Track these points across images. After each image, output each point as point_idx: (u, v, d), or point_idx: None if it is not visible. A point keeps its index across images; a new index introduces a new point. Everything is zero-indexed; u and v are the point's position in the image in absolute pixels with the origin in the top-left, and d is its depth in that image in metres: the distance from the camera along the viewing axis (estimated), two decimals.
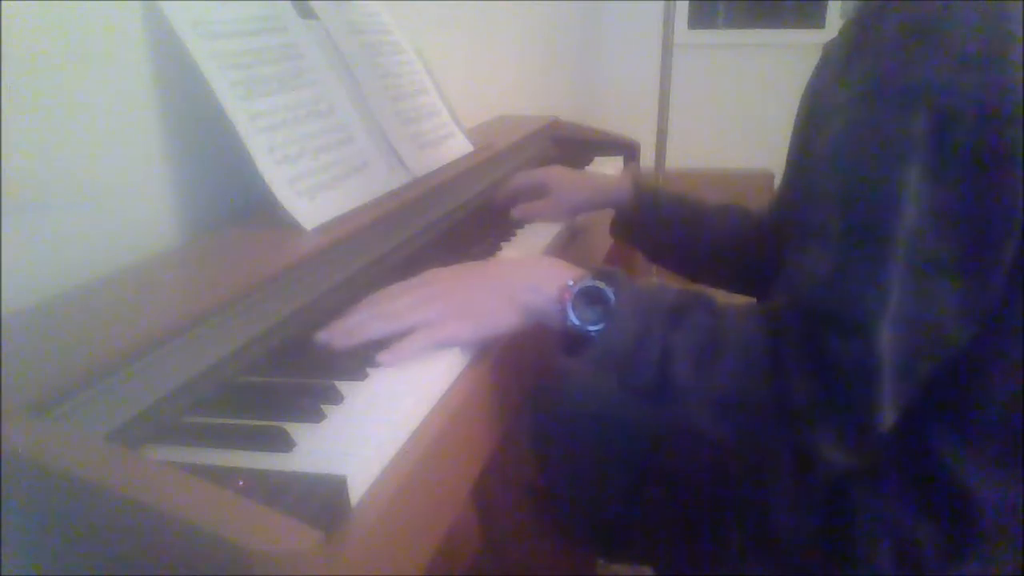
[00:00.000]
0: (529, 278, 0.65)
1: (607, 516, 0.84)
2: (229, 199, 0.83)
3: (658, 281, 0.65)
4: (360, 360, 0.61)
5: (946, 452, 0.65)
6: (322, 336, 0.64)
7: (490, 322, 0.64)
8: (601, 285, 0.62)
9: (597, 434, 0.85)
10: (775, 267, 0.80)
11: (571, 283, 0.63)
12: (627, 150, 1.58)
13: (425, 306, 0.64)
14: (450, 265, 0.84)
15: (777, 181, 3.04)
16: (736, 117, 3.22)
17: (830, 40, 0.77)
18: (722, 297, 0.65)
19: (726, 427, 0.62)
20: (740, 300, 1.03)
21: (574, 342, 0.64)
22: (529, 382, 0.81)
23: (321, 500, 0.43)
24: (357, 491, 0.46)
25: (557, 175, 1.06)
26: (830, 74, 0.70)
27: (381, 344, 0.62)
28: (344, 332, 0.63)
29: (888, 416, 0.57)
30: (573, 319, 0.62)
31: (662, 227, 1.01)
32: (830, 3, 3.14)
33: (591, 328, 0.61)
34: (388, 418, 0.54)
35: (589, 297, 0.62)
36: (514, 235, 1.00)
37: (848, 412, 0.57)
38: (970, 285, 0.57)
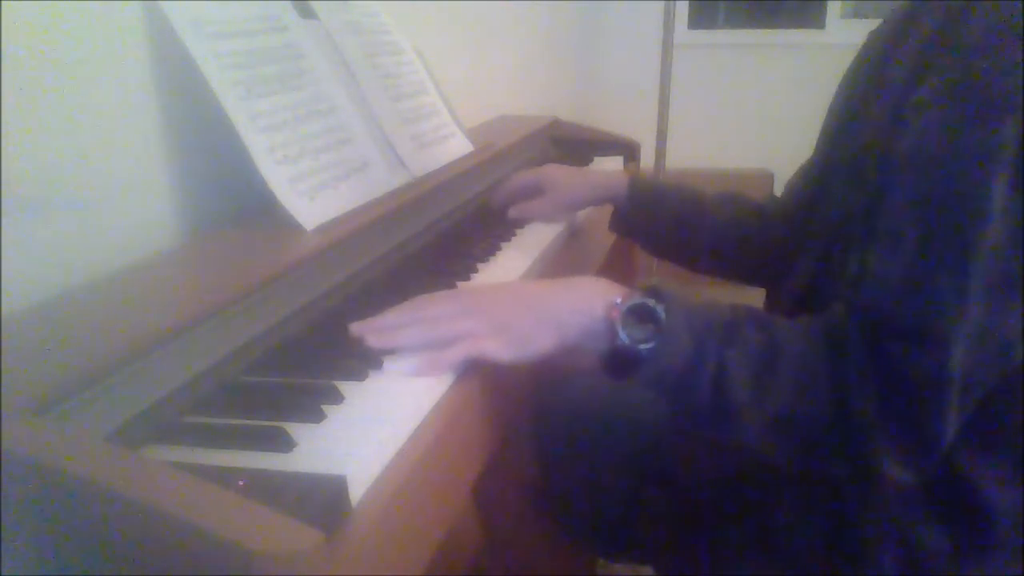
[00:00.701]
0: (576, 299, 0.63)
1: (607, 516, 0.84)
2: (229, 199, 0.82)
3: (704, 299, 0.63)
4: (361, 360, 0.61)
5: (955, 454, 0.64)
6: (355, 328, 0.63)
7: (530, 345, 0.62)
8: (651, 303, 0.60)
9: (597, 434, 0.85)
10: (784, 256, 0.79)
11: (619, 301, 0.61)
12: (627, 150, 1.58)
13: (467, 318, 0.62)
14: (452, 263, 0.84)
15: (777, 181, 3.05)
16: (736, 117, 3.22)
17: (875, 29, 0.74)
18: (723, 288, 0.64)
19: (786, 443, 0.60)
20: (742, 291, 1.03)
21: (622, 363, 0.61)
22: (530, 382, 0.81)
23: (321, 500, 0.43)
24: (357, 491, 0.46)
25: (552, 173, 1.06)
26: (880, 66, 0.67)
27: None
28: (380, 331, 0.62)
29: (951, 432, 0.56)
30: (623, 338, 0.59)
31: (660, 219, 1.00)
32: (830, 3, 3.14)
33: (642, 347, 0.59)
34: (388, 418, 0.54)
35: (638, 315, 0.60)
36: (514, 235, 1.00)
37: (914, 426, 0.55)
38: None
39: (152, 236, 0.75)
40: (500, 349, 0.61)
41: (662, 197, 1.00)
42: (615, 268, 1.52)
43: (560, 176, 1.05)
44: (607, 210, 1.06)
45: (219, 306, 0.59)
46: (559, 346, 0.62)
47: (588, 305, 0.62)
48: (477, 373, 0.64)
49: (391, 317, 0.64)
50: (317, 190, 0.79)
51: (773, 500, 0.73)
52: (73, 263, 0.66)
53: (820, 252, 0.71)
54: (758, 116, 3.16)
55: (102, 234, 0.70)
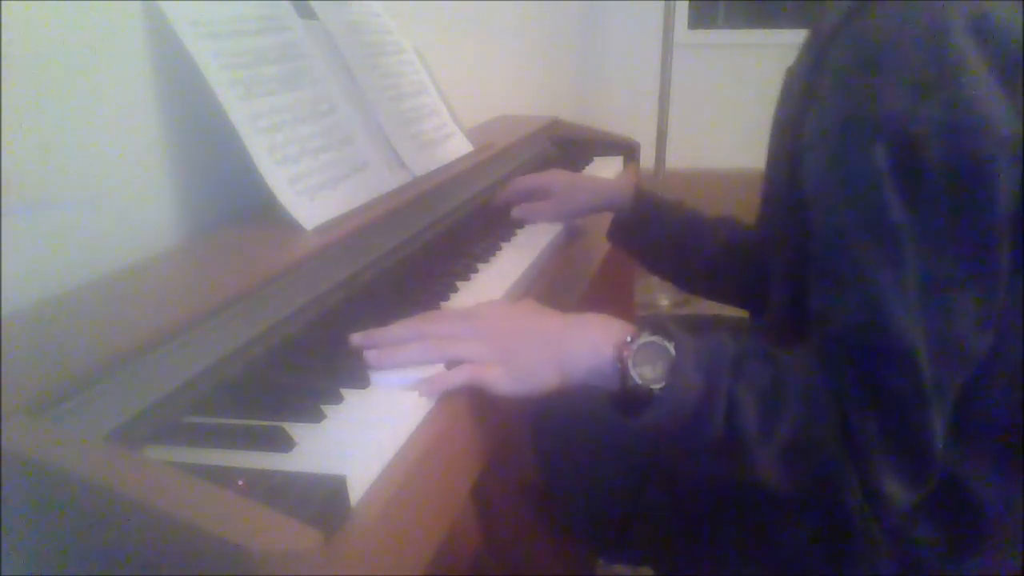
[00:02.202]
0: (586, 337, 0.62)
1: (607, 516, 0.84)
2: (229, 199, 0.82)
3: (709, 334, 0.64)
4: (361, 360, 0.61)
5: (948, 453, 0.64)
6: (356, 339, 0.62)
7: (531, 381, 0.61)
8: (661, 341, 0.60)
9: (597, 434, 0.85)
10: (761, 282, 0.80)
11: (629, 340, 0.60)
12: (627, 150, 1.58)
13: (473, 342, 0.61)
14: (452, 263, 0.84)
15: None
16: (736, 117, 3.22)
17: (791, 66, 0.76)
18: (716, 310, 0.65)
19: (793, 473, 0.60)
20: (733, 313, 1.03)
21: (633, 403, 0.61)
22: None
23: (321, 500, 0.43)
24: (357, 491, 0.46)
25: (558, 178, 1.06)
26: (795, 101, 0.69)
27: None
28: (382, 344, 0.61)
29: (939, 442, 0.58)
30: (635, 379, 0.59)
31: (659, 234, 1.01)
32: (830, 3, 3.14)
33: (655, 387, 0.59)
34: (388, 418, 0.54)
35: (649, 354, 0.60)
36: (514, 235, 1.00)
37: (906, 441, 0.57)
38: (980, 295, 0.57)
39: (152, 236, 0.75)
40: (501, 380, 0.60)
41: (663, 213, 1.01)
42: (613, 270, 1.52)
43: (566, 181, 1.06)
44: (607, 214, 1.06)
45: (219, 306, 0.59)
46: (562, 383, 0.62)
47: (598, 344, 0.61)
48: None
49: (396, 330, 0.62)
50: (317, 190, 0.79)
51: (770, 499, 0.73)
52: (73, 263, 0.66)
53: (786, 281, 0.73)
54: (758, 116, 3.14)
55: (102, 234, 0.70)
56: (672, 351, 0.59)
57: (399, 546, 0.50)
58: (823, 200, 0.61)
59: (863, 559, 0.68)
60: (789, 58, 0.76)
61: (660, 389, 0.59)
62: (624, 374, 0.60)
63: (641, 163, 1.66)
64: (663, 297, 2.58)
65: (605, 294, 1.13)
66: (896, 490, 0.58)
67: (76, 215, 0.67)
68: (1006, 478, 0.65)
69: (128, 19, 0.72)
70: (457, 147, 1.13)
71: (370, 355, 0.60)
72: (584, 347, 0.62)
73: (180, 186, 0.78)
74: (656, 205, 1.02)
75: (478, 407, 0.63)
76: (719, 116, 3.20)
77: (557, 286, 0.92)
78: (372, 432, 0.52)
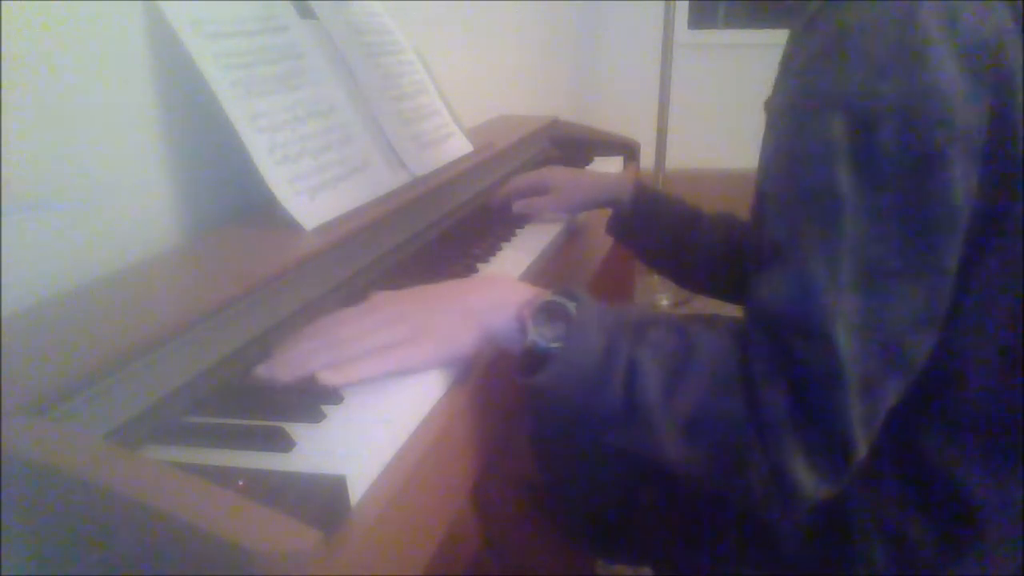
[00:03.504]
0: (486, 298, 0.63)
1: (607, 516, 0.84)
2: (229, 199, 0.83)
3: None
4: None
5: (939, 451, 0.65)
6: (262, 370, 0.58)
7: (450, 343, 0.61)
8: (561, 300, 0.59)
9: (597, 434, 0.85)
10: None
11: (531, 299, 0.61)
12: (627, 150, 1.58)
13: (376, 333, 0.60)
14: (453, 263, 0.84)
15: None
16: (736, 117, 3.21)
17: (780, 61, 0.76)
18: (715, 308, 0.64)
19: (695, 448, 0.57)
20: (733, 311, 1.03)
21: (533, 362, 0.60)
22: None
23: (321, 500, 0.43)
24: (357, 491, 0.47)
25: (557, 173, 1.07)
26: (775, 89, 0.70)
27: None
28: (286, 364, 0.58)
29: (858, 435, 0.56)
30: (533, 336, 0.59)
31: (658, 229, 1.01)
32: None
33: (552, 345, 0.58)
34: (388, 418, 0.54)
35: (550, 313, 0.60)
36: (514, 235, 1.00)
37: (817, 424, 0.55)
38: (920, 290, 0.56)
39: (152, 236, 0.75)
40: (417, 354, 0.59)
41: (663, 208, 1.01)
42: (614, 269, 1.52)
43: (565, 177, 1.06)
44: (606, 211, 1.06)
45: (219, 306, 0.59)
46: (483, 341, 0.62)
47: (501, 304, 0.62)
48: (477, 373, 0.64)
49: (298, 347, 0.60)
50: (317, 190, 0.79)
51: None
52: (73, 263, 0.66)
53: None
54: (758, 116, 3.15)
55: (102, 234, 0.70)
56: (573, 311, 0.59)
57: (399, 546, 0.50)
58: (773, 172, 0.61)
59: (861, 559, 0.68)
60: None
61: (557, 348, 0.58)
62: (523, 332, 0.60)
63: (641, 163, 1.66)
64: (664, 297, 2.58)
65: (606, 294, 1.13)
66: (805, 477, 0.55)
67: (76, 215, 0.67)
68: (1002, 478, 0.65)
69: (128, 19, 0.72)
70: (457, 147, 1.13)
71: (279, 374, 0.58)
72: (488, 307, 0.62)
73: (180, 186, 0.78)
74: (656, 200, 1.02)
75: (478, 408, 0.63)
76: (719, 116, 3.20)
77: (559, 283, 0.92)
78: (372, 432, 0.52)
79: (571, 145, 1.58)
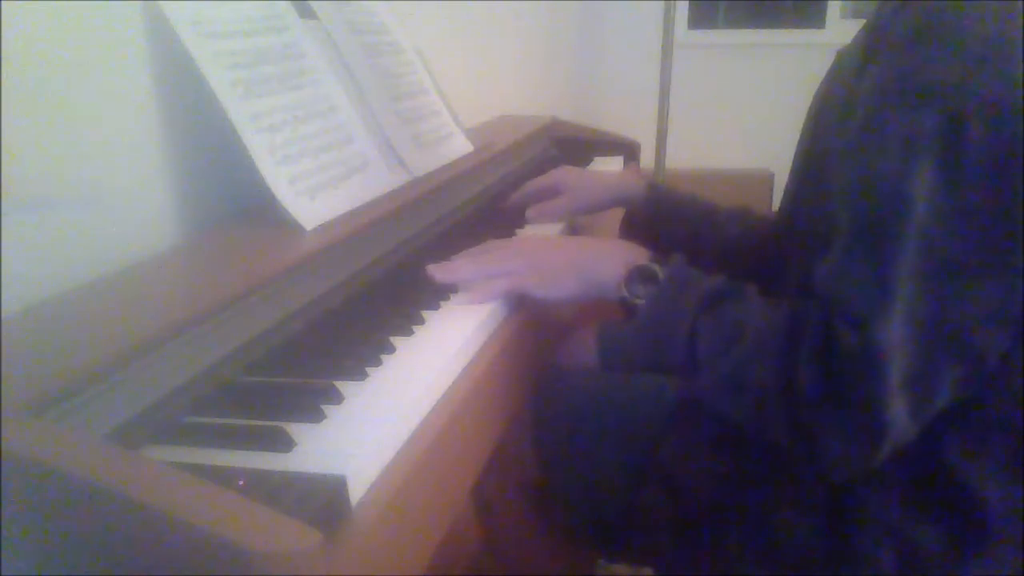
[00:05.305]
0: (602, 257, 0.74)
1: (607, 516, 0.84)
2: (229, 199, 0.82)
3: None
4: (360, 360, 0.61)
5: (951, 451, 0.64)
6: (429, 268, 0.75)
7: (554, 287, 0.74)
8: (653, 266, 0.70)
9: (597, 434, 0.85)
10: (778, 270, 0.80)
11: (632, 260, 0.71)
12: (627, 150, 1.58)
13: (514, 259, 0.75)
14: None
15: (777, 181, 3.05)
16: (736, 117, 3.22)
17: (844, 46, 0.77)
18: None
19: (736, 403, 0.65)
20: None
21: (626, 313, 0.72)
22: (529, 382, 0.81)
23: (321, 500, 0.43)
24: (357, 491, 0.47)
25: (567, 176, 1.06)
26: (843, 78, 0.70)
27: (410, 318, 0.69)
28: (445, 269, 0.75)
29: (899, 419, 0.57)
30: (624, 292, 0.70)
31: (674, 226, 1.01)
32: (830, 3, 3.14)
33: (638, 302, 0.69)
34: (388, 418, 0.54)
35: (643, 274, 0.70)
36: (514, 235, 1.00)
37: (851, 405, 0.57)
38: (996, 289, 0.56)
39: (152, 236, 0.75)
40: (529, 284, 0.74)
41: (678, 206, 1.01)
42: None
43: (577, 178, 1.05)
44: (607, 211, 1.06)
45: (219, 306, 0.59)
46: (581, 292, 0.74)
47: (610, 262, 0.73)
48: (477, 373, 0.64)
49: (456, 260, 0.77)
50: (317, 190, 0.79)
51: (772, 500, 0.73)
52: (73, 263, 0.66)
53: (803, 260, 0.72)
54: (758, 116, 3.16)
55: (102, 234, 0.70)
56: (661, 276, 0.69)
57: (399, 546, 0.50)
58: (849, 156, 0.62)
59: (865, 559, 0.68)
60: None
61: (640, 304, 0.69)
62: (619, 288, 0.71)
63: (641, 163, 1.66)
64: None
65: None
66: (838, 453, 0.59)
67: (76, 215, 0.67)
68: (1012, 480, 0.64)
69: (128, 19, 0.72)
70: (457, 147, 1.13)
71: (436, 274, 0.74)
72: (600, 264, 0.73)
73: (180, 186, 0.78)
74: (669, 198, 1.02)
75: (478, 408, 0.63)
76: (719, 116, 3.20)
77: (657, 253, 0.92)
78: (372, 432, 0.52)
79: (571, 145, 1.58)
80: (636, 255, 0.72)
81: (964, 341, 0.57)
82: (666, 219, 1.01)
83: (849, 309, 0.58)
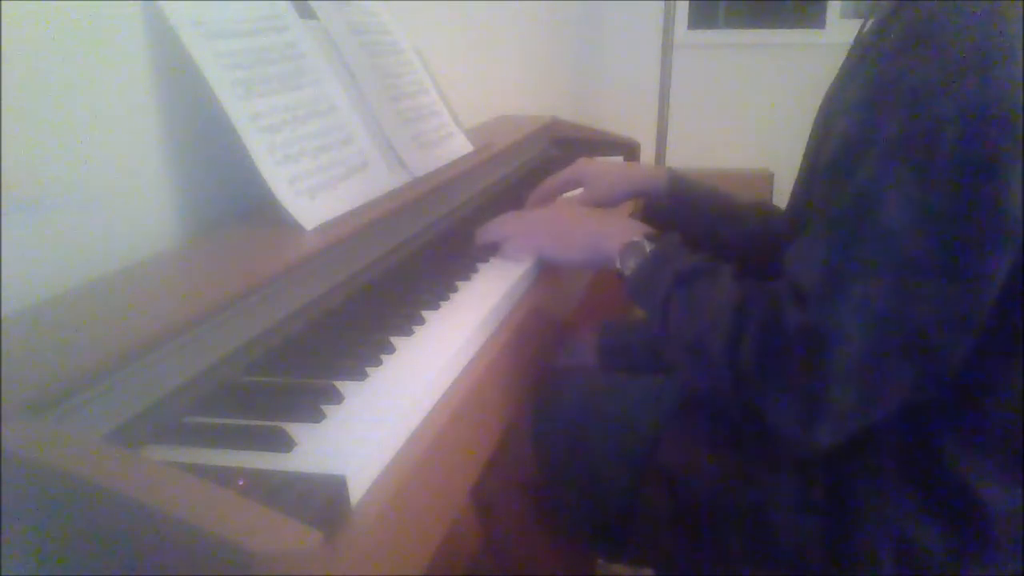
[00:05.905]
0: (607, 228, 0.81)
1: (607, 516, 0.84)
2: (229, 199, 0.82)
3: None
4: (360, 360, 0.61)
5: (951, 453, 0.64)
6: (479, 231, 0.90)
7: (561, 250, 0.85)
8: (643, 242, 0.76)
9: (597, 434, 0.85)
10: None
11: (628, 236, 0.77)
12: (627, 150, 1.58)
13: (534, 224, 0.88)
14: (452, 263, 0.84)
15: (777, 181, 3.05)
16: (736, 117, 3.22)
17: (852, 46, 0.77)
18: None
19: (695, 374, 0.73)
20: None
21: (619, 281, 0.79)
22: (529, 383, 0.81)
23: (321, 500, 0.43)
24: (357, 491, 0.47)
25: (587, 168, 1.04)
26: (845, 78, 0.72)
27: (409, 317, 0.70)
28: (483, 231, 0.90)
29: (845, 404, 0.58)
30: (617, 264, 0.77)
31: (693, 218, 1.00)
32: (830, 3, 3.14)
33: (627, 273, 0.76)
34: (388, 418, 0.54)
35: (634, 249, 0.76)
36: None
37: (787, 379, 0.59)
38: (954, 290, 0.57)
39: (152, 236, 0.75)
40: (540, 246, 0.86)
41: (699, 198, 1.00)
42: None
43: (595, 170, 1.04)
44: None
45: (219, 306, 0.59)
46: (581, 261, 0.84)
47: (612, 234, 0.79)
48: (477, 373, 0.64)
49: (489, 224, 0.91)
50: (317, 190, 0.79)
51: (772, 500, 0.73)
52: (73, 263, 0.66)
53: None
54: (758, 116, 3.16)
55: (102, 234, 0.70)
56: (647, 251, 0.75)
57: (399, 546, 0.50)
58: (834, 158, 0.63)
59: (865, 560, 0.68)
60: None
61: (628, 275, 0.76)
62: (612, 260, 0.78)
63: (641, 163, 1.66)
64: None
65: (608, 291, 1.13)
66: (782, 425, 0.61)
67: (76, 215, 0.67)
68: (1010, 478, 0.64)
69: (128, 19, 0.72)
70: (457, 147, 1.13)
71: (478, 236, 0.90)
72: (603, 236, 0.80)
73: (180, 186, 0.78)
74: (691, 189, 1.01)
75: (478, 408, 0.63)
76: (719, 116, 3.20)
77: (559, 283, 0.92)
78: (372, 432, 0.52)
79: (571, 145, 1.58)
80: (634, 231, 0.78)
81: (919, 339, 0.58)
82: (687, 210, 1.00)
83: (800, 288, 0.60)
